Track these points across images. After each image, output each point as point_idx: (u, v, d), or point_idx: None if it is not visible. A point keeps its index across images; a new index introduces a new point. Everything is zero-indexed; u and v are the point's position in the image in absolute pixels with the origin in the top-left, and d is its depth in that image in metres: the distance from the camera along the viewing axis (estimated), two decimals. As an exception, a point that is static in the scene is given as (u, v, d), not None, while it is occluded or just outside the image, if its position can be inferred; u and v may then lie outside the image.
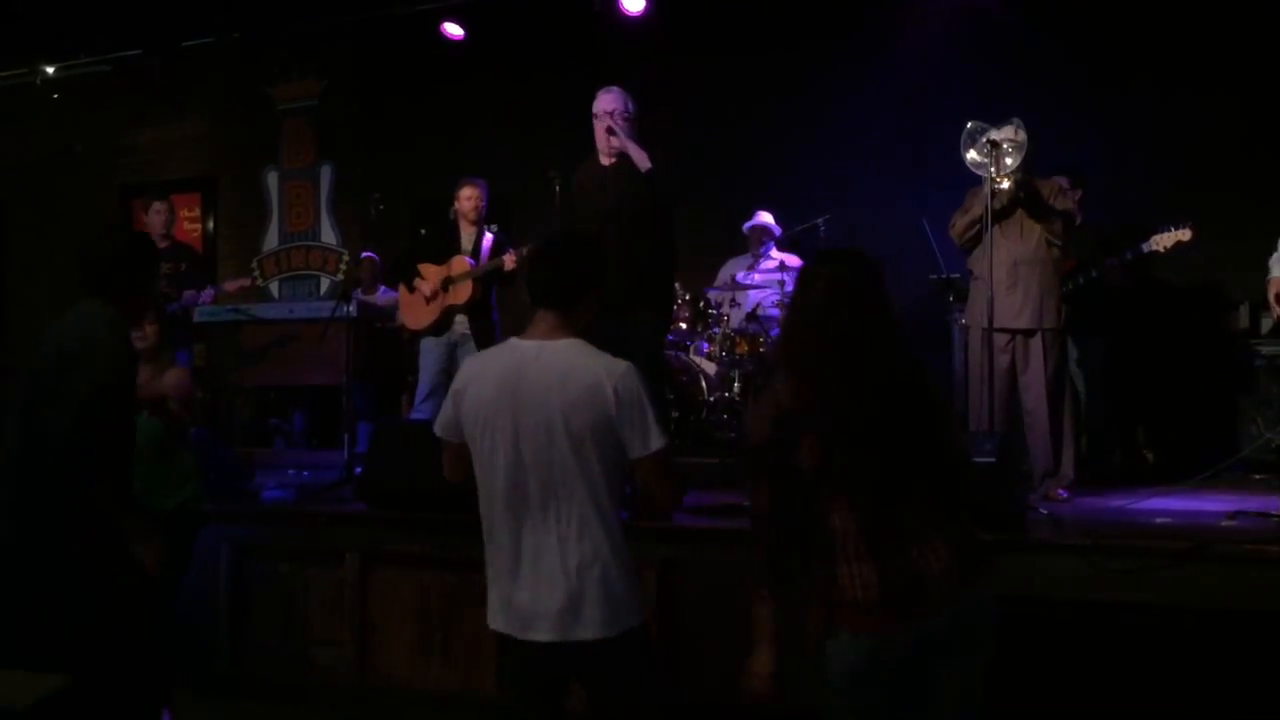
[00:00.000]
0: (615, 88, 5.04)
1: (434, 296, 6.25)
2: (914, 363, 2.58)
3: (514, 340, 2.73)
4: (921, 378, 2.56)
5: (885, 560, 2.41)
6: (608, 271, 2.79)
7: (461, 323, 6.23)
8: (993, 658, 2.54)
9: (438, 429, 2.77)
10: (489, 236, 6.35)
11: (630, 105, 4.99)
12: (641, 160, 4.82)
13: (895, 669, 2.47)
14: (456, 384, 2.75)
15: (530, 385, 2.60)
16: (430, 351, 6.29)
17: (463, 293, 6.18)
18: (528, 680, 2.72)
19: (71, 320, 3.22)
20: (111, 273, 3.26)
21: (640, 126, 4.99)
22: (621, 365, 2.62)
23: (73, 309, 3.26)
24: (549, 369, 2.61)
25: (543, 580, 2.59)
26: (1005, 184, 5.11)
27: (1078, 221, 5.38)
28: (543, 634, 2.59)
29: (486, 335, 6.18)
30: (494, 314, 6.35)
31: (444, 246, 6.35)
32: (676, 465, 2.68)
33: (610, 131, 4.89)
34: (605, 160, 4.99)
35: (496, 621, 2.68)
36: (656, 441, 2.60)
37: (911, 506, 2.44)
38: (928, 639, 2.45)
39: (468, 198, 6.34)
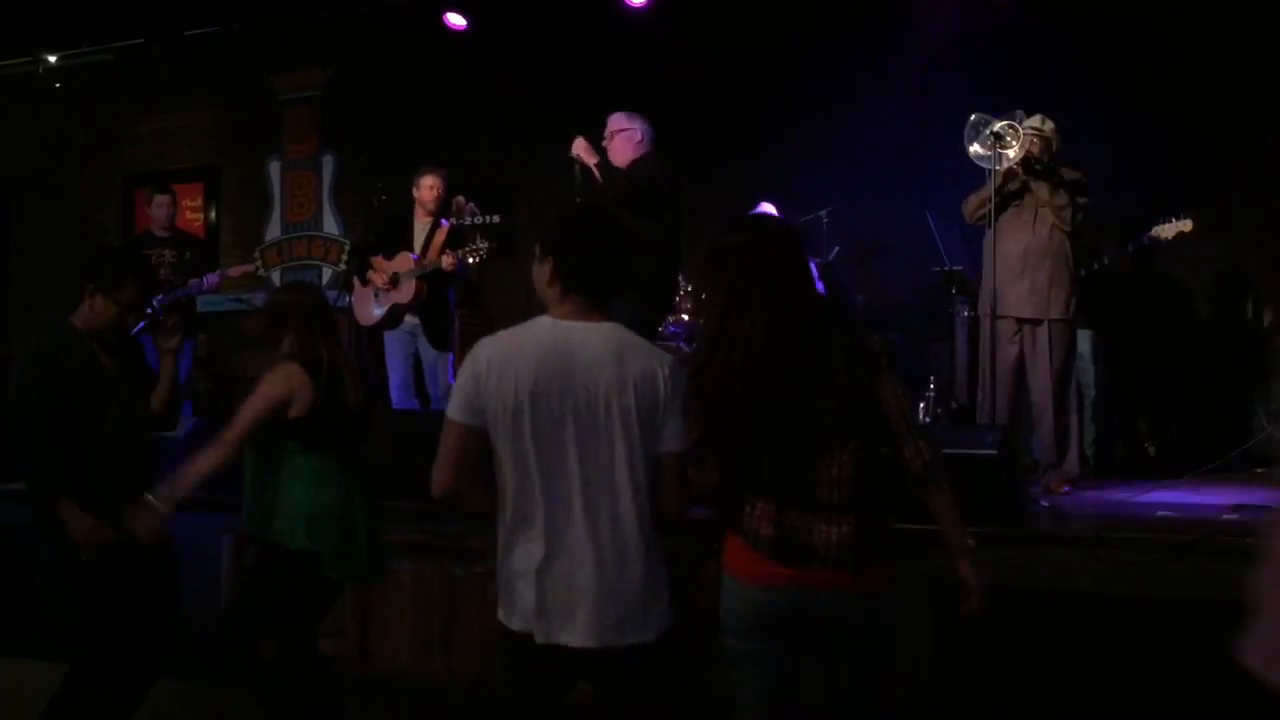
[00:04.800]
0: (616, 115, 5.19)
1: (383, 292, 6.13)
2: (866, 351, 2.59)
3: (546, 319, 2.51)
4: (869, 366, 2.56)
5: (785, 516, 2.48)
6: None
7: (411, 319, 6.15)
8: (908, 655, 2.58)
9: (457, 414, 2.48)
10: (444, 228, 6.20)
11: (621, 124, 5.14)
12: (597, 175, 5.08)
13: (774, 628, 2.52)
14: (476, 366, 2.48)
15: (583, 363, 2.43)
16: (394, 342, 6.24)
17: (407, 291, 6.04)
18: (543, 678, 2.51)
19: None
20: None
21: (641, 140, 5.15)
22: (669, 356, 2.53)
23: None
24: (601, 348, 2.45)
25: (579, 574, 2.40)
26: (1012, 152, 5.12)
27: (1084, 199, 5.36)
28: (573, 637, 2.40)
29: (440, 332, 6.09)
30: (451, 309, 6.21)
31: (397, 239, 6.21)
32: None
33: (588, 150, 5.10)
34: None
35: (521, 622, 2.45)
36: (683, 442, 2.51)
37: (828, 476, 2.48)
38: (809, 610, 2.49)
39: (430, 187, 6.18)
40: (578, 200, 5.20)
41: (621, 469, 2.44)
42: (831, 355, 2.51)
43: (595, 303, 2.53)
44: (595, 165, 5.08)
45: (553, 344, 2.46)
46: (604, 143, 5.13)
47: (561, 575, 2.43)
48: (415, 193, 6.26)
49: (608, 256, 2.55)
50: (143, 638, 3.56)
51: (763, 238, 2.61)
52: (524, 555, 2.46)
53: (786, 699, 2.56)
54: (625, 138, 5.12)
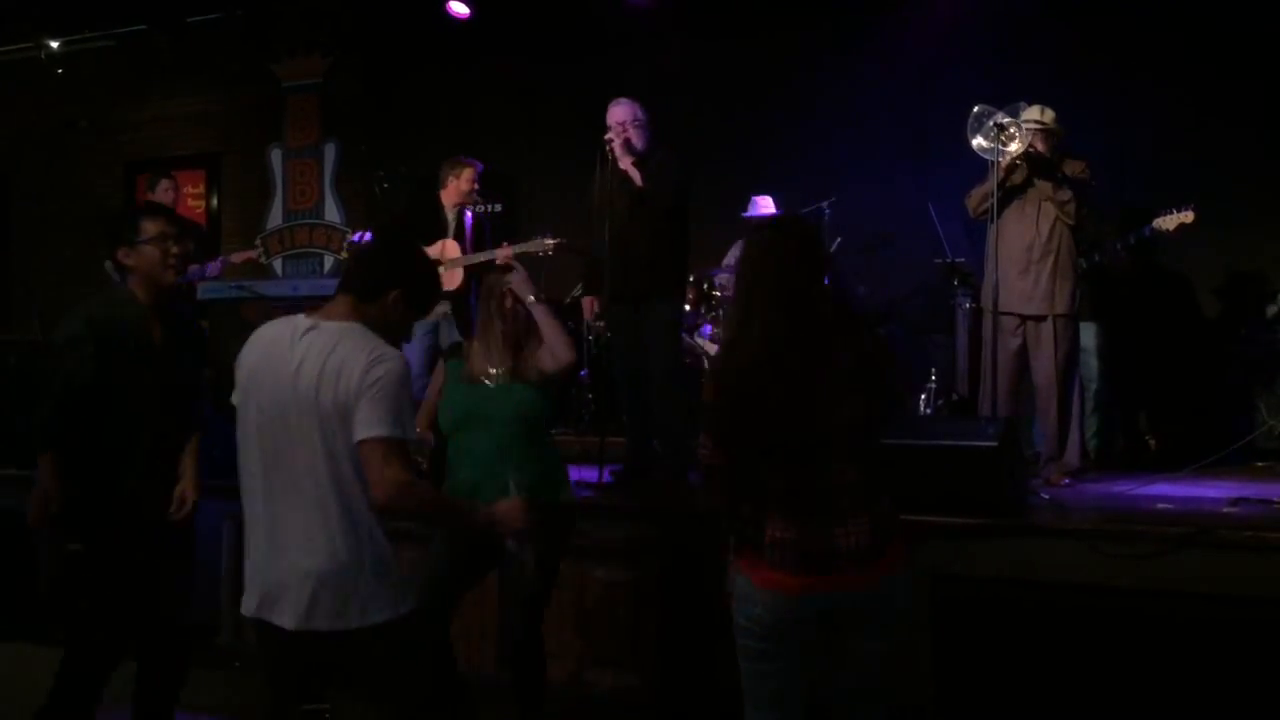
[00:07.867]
0: (623, 100, 5.17)
1: None
2: (873, 336, 2.69)
3: (301, 315, 2.63)
4: (877, 353, 2.61)
5: (806, 527, 2.49)
6: (417, 279, 2.74)
7: (444, 305, 6.19)
8: (909, 641, 2.66)
9: (234, 400, 2.68)
10: (469, 217, 6.26)
11: (638, 114, 5.13)
12: (635, 177, 5.04)
13: (795, 631, 2.56)
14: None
15: (300, 359, 2.51)
16: (415, 330, 6.26)
17: (453, 279, 6.08)
18: (277, 667, 2.62)
19: None
20: None
21: (654, 129, 5.18)
22: (389, 355, 2.52)
23: None
24: (315, 344, 2.52)
25: (286, 560, 2.49)
26: (1014, 146, 5.10)
27: (1091, 184, 5.34)
28: (285, 618, 2.49)
29: (465, 318, 6.15)
30: (472, 297, 6.26)
31: (431, 228, 6.23)
32: (413, 464, 2.56)
33: (622, 148, 5.05)
34: (621, 164, 5.10)
35: (248, 604, 2.58)
36: (379, 429, 2.44)
37: (842, 481, 2.50)
38: (835, 608, 2.54)
39: (470, 180, 6.23)
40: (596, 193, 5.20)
41: (322, 463, 2.48)
42: (839, 354, 2.52)
43: (355, 307, 2.60)
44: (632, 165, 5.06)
45: (278, 339, 2.58)
46: (622, 133, 5.09)
47: (277, 562, 2.51)
48: (453, 183, 6.23)
49: (369, 269, 2.69)
50: (116, 627, 3.46)
51: (779, 239, 2.63)
52: (250, 544, 2.58)
53: (799, 688, 2.61)
54: (640, 128, 5.11)
